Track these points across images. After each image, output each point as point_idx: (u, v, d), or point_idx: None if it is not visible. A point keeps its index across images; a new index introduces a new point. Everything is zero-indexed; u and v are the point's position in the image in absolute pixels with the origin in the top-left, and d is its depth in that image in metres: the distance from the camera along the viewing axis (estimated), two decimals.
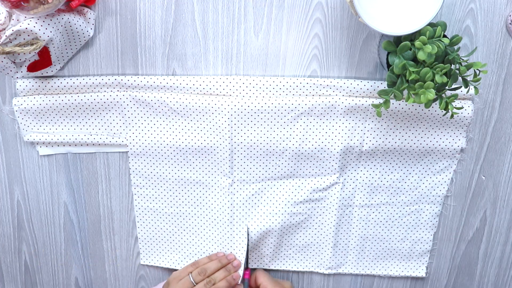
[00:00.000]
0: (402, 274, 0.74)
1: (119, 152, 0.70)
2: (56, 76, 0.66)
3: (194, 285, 0.65)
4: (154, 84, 0.65)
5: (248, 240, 0.70)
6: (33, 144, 0.70)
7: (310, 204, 0.71)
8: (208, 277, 0.66)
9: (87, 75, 0.66)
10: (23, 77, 0.65)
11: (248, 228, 0.70)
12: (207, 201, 0.71)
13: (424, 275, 0.74)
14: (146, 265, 0.76)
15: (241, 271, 0.68)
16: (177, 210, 0.73)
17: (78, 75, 0.66)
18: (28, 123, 0.68)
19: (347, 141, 0.67)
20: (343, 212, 0.71)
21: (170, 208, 0.73)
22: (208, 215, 0.72)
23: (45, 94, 0.66)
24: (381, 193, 0.71)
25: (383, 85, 0.64)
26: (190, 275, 0.66)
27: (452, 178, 0.70)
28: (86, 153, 0.70)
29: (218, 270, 0.67)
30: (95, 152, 0.70)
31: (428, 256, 0.74)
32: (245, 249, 0.70)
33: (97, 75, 0.66)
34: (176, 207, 0.73)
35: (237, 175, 0.68)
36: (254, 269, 0.74)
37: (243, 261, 0.70)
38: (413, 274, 0.74)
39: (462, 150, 0.68)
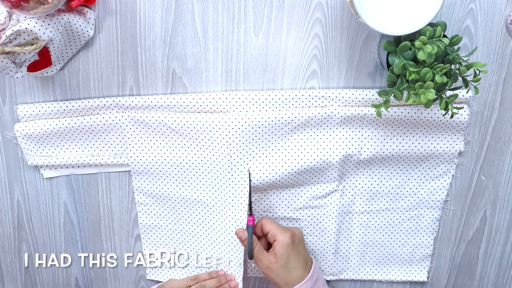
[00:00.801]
0: (404, 279, 0.74)
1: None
2: (56, 101, 0.67)
3: None
4: (152, 103, 0.66)
5: (250, 183, 0.67)
6: (36, 167, 0.71)
7: (310, 211, 0.70)
8: None
9: (86, 98, 0.67)
10: (24, 103, 0.67)
11: (249, 169, 0.67)
12: (209, 220, 0.71)
13: (425, 279, 0.74)
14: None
15: None
16: (180, 228, 0.73)
17: (79, 98, 0.67)
18: (31, 148, 0.69)
19: (345, 150, 0.66)
20: (343, 219, 0.71)
21: (173, 225, 0.73)
22: (210, 234, 0.71)
23: (46, 118, 0.67)
24: (380, 199, 0.71)
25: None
26: None
27: (451, 182, 0.70)
28: (89, 173, 0.71)
29: None
30: (97, 173, 0.71)
31: (429, 260, 0.74)
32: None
33: (96, 97, 0.67)
34: (179, 225, 0.73)
35: (238, 195, 0.67)
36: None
37: (240, 274, 0.69)
38: (415, 279, 0.74)
39: (460, 154, 0.68)
